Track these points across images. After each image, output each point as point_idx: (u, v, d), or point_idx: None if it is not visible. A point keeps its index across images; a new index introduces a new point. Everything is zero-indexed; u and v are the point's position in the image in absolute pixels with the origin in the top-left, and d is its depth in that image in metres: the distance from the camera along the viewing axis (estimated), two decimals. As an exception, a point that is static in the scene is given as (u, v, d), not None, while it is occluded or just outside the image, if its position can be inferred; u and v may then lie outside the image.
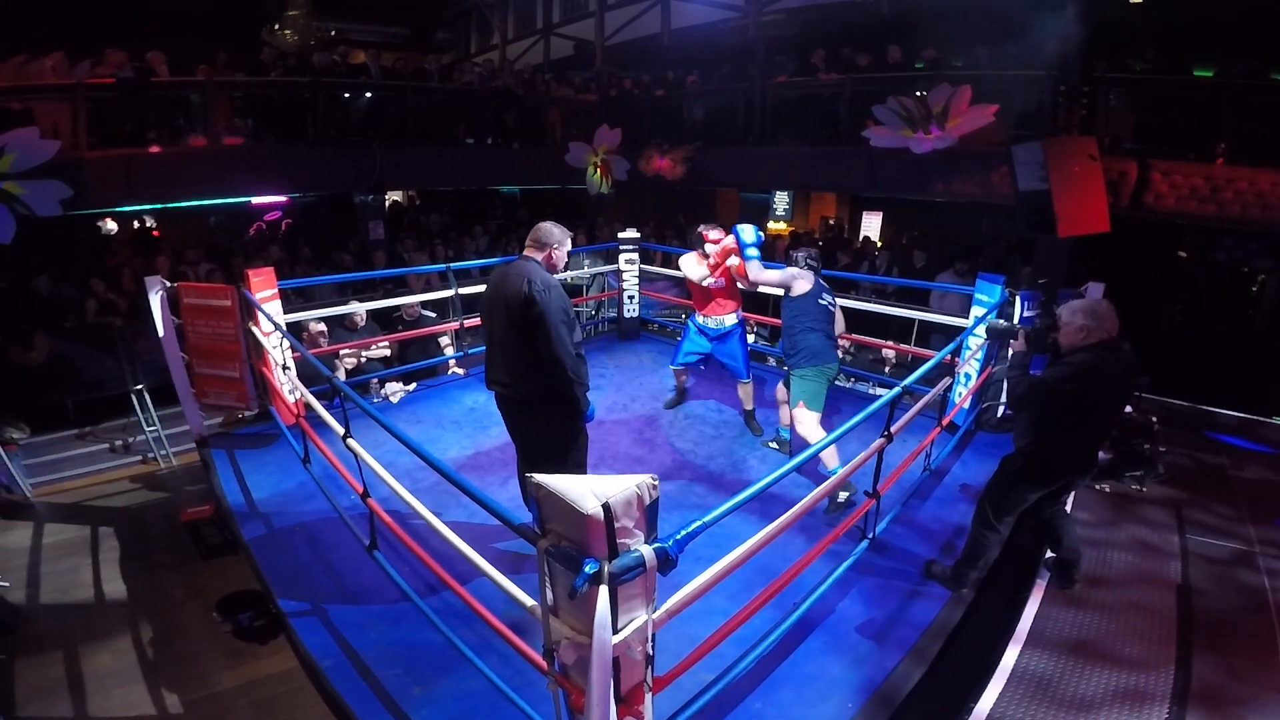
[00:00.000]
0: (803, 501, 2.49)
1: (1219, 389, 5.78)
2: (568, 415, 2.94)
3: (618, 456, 4.36)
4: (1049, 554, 3.25)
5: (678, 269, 4.83)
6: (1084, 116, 6.76)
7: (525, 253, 3.00)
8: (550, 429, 2.98)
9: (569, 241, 3.08)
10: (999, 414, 4.63)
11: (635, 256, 6.45)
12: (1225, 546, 3.55)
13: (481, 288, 3.54)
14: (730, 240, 4.20)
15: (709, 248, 4.46)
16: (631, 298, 6.60)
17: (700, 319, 4.69)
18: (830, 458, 3.62)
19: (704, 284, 4.50)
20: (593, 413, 3.03)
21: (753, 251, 3.95)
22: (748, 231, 3.98)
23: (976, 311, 4.56)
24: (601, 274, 7.54)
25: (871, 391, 5.74)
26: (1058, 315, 2.80)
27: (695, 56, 10.75)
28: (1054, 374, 2.71)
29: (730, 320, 4.60)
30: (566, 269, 7.69)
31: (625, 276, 6.49)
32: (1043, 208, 5.57)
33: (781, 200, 11.97)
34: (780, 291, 3.97)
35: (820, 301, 3.83)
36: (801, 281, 3.83)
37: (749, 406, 4.77)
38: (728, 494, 3.90)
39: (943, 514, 3.74)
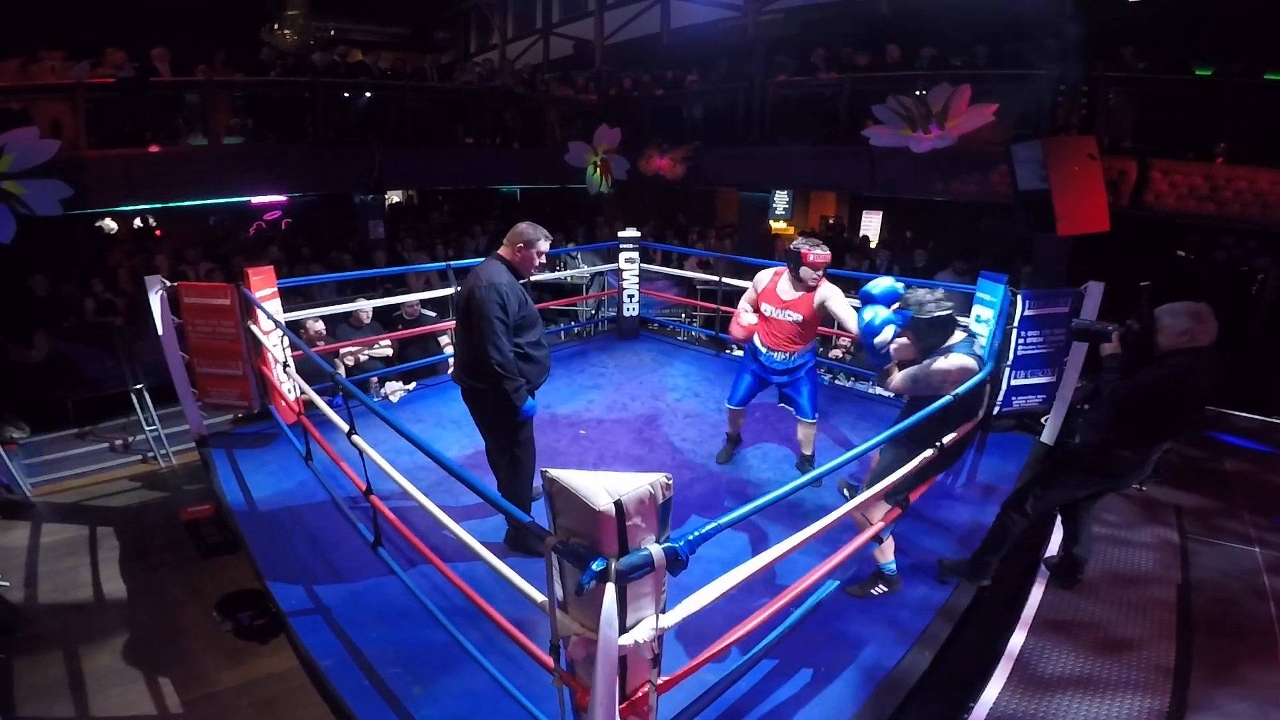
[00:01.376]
0: (828, 518, 2.35)
1: (1218, 388, 5.77)
2: (504, 410, 3.01)
3: (618, 456, 4.35)
4: (1049, 553, 3.25)
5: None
6: (1083, 115, 6.77)
7: (499, 250, 3.05)
8: (492, 419, 3.07)
9: (544, 242, 3.06)
10: (996, 413, 4.62)
11: (635, 255, 6.46)
12: (1225, 546, 3.55)
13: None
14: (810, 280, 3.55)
15: (805, 272, 3.62)
16: (631, 297, 6.60)
17: (764, 350, 3.86)
18: (886, 550, 3.01)
19: (778, 317, 3.75)
20: (532, 409, 3.06)
21: (882, 337, 2.95)
22: (873, 309, 2.98)
23: (976, 310, 4.56)
24: (601, 273, 7.54)
25: (871, 390, 5.74)
26: (1156, 317, 2.69)
27: (695, 56, 10.75)
28: (1157, 376, 2.58)
29: (802, 355, 3.82)
30: (565, 268, 7.80)
31: (625, 275, 6.49)
32: (1042, 207, 5.58)
33: (781, 200, 11.97)
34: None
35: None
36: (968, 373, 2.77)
37: (808, 451, 4.06)
38: (729, 493, 3.92)
39: (944, 512, 3.74)
